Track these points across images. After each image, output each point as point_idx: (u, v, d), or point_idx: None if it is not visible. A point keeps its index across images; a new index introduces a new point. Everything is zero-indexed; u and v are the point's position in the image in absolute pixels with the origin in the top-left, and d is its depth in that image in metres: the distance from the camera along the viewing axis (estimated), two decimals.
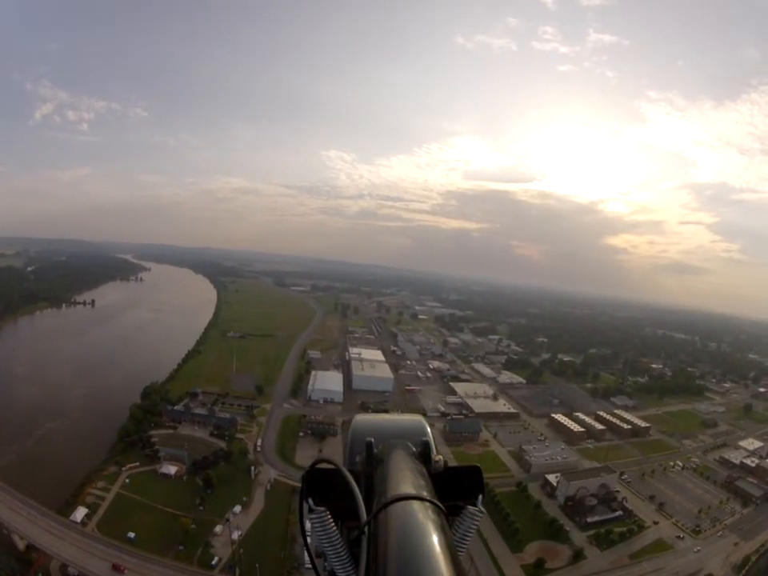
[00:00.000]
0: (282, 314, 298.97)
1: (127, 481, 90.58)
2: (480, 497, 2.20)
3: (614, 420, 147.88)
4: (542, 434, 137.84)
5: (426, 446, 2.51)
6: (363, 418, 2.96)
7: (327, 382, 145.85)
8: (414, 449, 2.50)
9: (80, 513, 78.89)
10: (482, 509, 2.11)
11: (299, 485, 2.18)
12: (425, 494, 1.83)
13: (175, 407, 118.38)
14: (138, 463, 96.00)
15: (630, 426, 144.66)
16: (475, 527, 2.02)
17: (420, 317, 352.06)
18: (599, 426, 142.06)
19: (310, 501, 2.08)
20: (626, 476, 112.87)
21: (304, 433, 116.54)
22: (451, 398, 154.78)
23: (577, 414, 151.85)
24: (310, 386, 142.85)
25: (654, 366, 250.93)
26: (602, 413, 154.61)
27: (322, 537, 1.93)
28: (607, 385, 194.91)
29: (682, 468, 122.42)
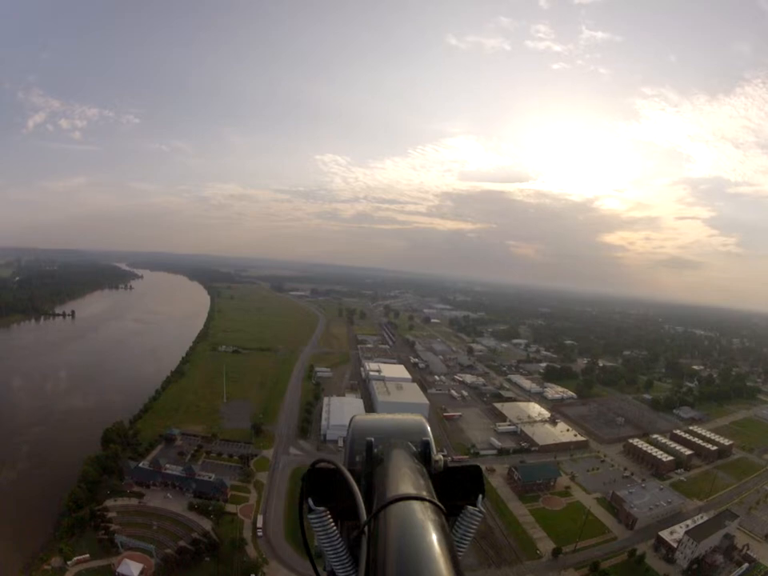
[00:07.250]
0: (281, 322, 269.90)
1: None
2: (480, 497, 2.17)
3: (696, 440, 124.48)
4: (626, 469, 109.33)
5: (426, 445, 2.49)
6: (363, 418, 2.91)
7: (345, 414, 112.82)
8: (415, 448, 2.49)
9: None
10: (482, 509, 2.09)
11: None
12: (425, 493, 1.81)
13: (140, 465, 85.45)
14: (88, 555, 67.53)
15: (715, 447, 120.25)
16: (475, 527, 1.99)
17: (433, 320, 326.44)
18: (686, 451, 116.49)
19: (310, 501, 2.04)
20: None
21: None
22: (502, 426, 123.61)
23: (655, 436, 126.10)
24: (323, 421, 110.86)
25: (695, 367, 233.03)
26: (678, 432, 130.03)
27: (322, 537, 1.90)
28: (668, 395, 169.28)
29: None
